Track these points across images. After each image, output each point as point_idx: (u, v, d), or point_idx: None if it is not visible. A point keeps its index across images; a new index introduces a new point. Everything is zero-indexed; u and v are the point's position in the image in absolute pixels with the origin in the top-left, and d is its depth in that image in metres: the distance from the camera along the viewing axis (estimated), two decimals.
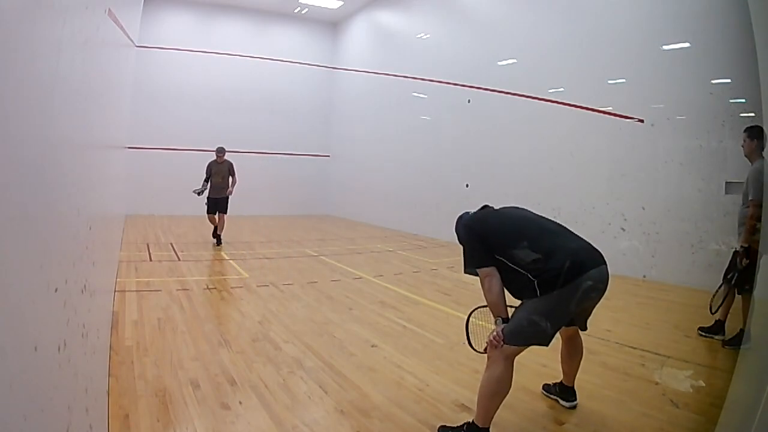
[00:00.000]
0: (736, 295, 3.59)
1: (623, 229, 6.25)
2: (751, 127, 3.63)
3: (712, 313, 3.69)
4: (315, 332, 3.69)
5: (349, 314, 4.24)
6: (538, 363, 3.07)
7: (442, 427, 2.25)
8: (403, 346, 3.44)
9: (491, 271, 2.18)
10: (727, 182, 5.28)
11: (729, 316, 3.72)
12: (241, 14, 13.01)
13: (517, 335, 2.11)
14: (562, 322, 2.18)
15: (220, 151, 7.63)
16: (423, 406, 2.53)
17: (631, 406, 2.59)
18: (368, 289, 5.24)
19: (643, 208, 6.03)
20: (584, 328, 2.43)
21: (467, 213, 2.46)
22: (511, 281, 2.20)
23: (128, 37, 5.32)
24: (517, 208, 2.48)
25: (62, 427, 1.18)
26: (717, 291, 3.72)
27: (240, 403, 2.48)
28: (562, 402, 2.59)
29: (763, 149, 3.57)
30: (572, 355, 2.54)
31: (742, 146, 3.70)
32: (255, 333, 3.61)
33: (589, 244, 2.24)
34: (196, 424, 2.25)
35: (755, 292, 2.23)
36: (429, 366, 3.09)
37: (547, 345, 2.13)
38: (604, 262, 2.17)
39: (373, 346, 3.45)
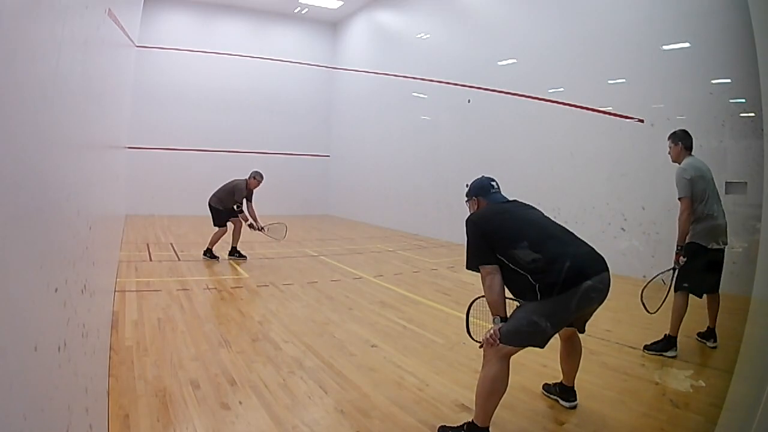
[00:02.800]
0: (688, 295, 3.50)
1: (623, 229, 6.25)
2: (674, 132, 3.66)
3: (650, 313, 3.46)
4: (315, 332, 3.69)
5: (349, 314, 4.24)
6: (538, 363, 3.07)
7: (442, 427, 2.25)
8: (403, 346, 3.44)
9: (493, 269, 2.19)
10: (727, 182, 5.27)
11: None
12: (241, 14, 13.01)
13: (515, 336, 2.12)
14: (560, 326, 2.20)
15: (261, 178, 6.63)
16: (423, 406, 2.53)
17: (631, 406, 2.59)
18: (368, 289, 5.24)
19: (643, 208, 6.03)
20: (582, 331, 2.44)
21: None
22: (513, 282, 2.21)
23: (128, 37, 5.32)
24: (528, 207, 2.46)
25: (62, 427, 1.18)
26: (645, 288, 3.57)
27: (240, 403, 2.48)
28: (562, 402, 2.60)
29: (690, 150, 3.60)
30: (571, 354, 2.55)
31: (669, 153, 3.70)
32: (255, 333, 3.61)
33: (593, 249, 2.25)
34: (196, 424, 2.25)
35: (754, 293, 2.22)
36: (429, 366, 3.09)
37: (542, 347, 2.15)
38: (607, 269, 2.19)
39: (373, 346, 3.45)
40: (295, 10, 13.26)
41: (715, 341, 3.58)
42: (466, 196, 2.54)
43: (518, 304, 2.24)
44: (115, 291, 4.46)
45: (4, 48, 0.73)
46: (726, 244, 3.50)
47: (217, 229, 6.59)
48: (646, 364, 3.22)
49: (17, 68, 0.81)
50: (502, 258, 2.18)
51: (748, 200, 5.07)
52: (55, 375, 1.14)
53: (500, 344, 2.12)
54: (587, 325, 2.42)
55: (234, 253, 6.72)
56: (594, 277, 2.11)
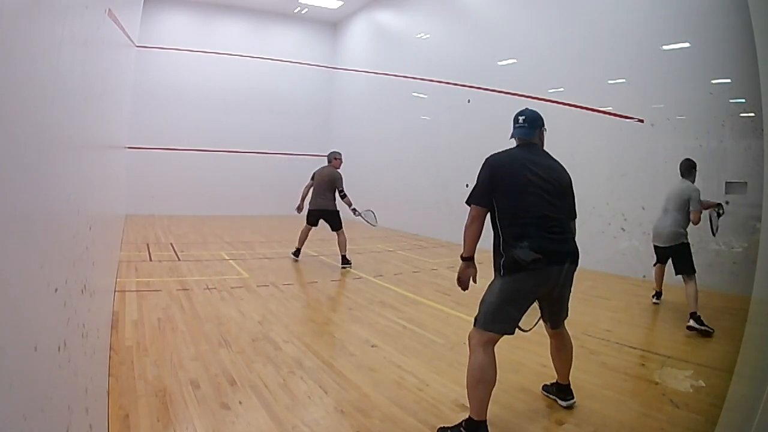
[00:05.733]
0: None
1: (623, 229, 6.25)
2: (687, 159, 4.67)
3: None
4: (315, 332, 3.69)
5: (349, 314, 4.24)
6: (537, 363, 3.07)
7: (441, 428, 2.25)
8: (403, 346, 3.44)
9: (481, 213, 2.29)
10: (727, 182, 5.28)
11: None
12: (241, 14, 13.01)
13: (488, 318, 2.21)
14: (524, 308, 2.28)
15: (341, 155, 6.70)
16: (423, 406, 2.53)
17: (631, 406, 2.59)
18: (368, 289, 5.24)
19: (643, 208, 6.03)
20: (557, 327, 2.49)
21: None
22: (493, 240, 2.32)
23: (128, 37, 5.32)
24: (547, 169, 2.34)
25: (62, 427, 1.18)
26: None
27: (240, 403, 2.48)
28: (559, 402, 2.60)
29: (683, 175, 4.59)
30: (561, 351, 2.56)
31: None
32: (255, 333, 3.61)
33: (570, 239, 2.33)
34: (196, 424, 2.25)
35: (754, 293, 2.23)
36: (429, 366, 3.09)
37: (512, 333, 2.24)
38: (574, 262, 2.31)
39: (373, 346, 3.45)
40: (295, 10, 13.26)
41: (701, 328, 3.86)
42: None
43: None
44: (115, 291, 4.46)
45: (4, 48, 0.73)
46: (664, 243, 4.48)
47: (331, 231, 6.49)
48: (646, 364, 3.22)
49: (17, 68, 0.81)
50: (495, 204, 2.28)
51: (748, 200, 5.07)
52: (55, 375, 1.14)
53: (479, 331, 2.22)
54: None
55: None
56: (555, 266, 2.23)
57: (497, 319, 2.21)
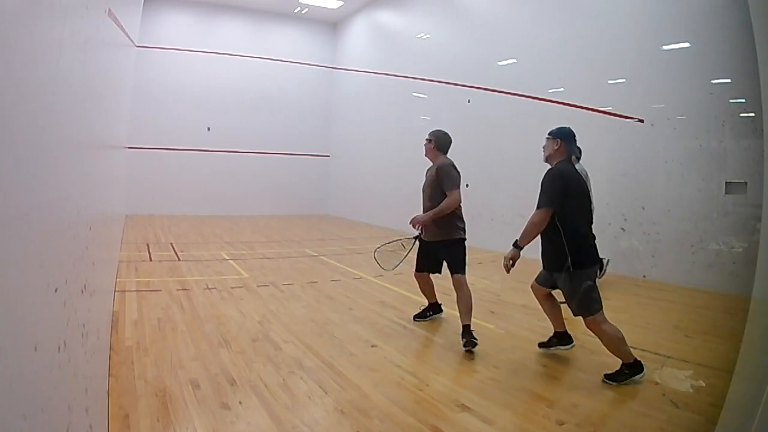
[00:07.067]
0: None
1: (623, 229, 6.24)
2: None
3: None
4: (315, 332, 3.69)
5: (349, 314, 4.24)
6: (538, 363, 3.07)
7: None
8: (403, 346, 3.44)
9: (550, 215, 2.85)
10: (727, 182, 5.27)
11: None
12: (241, 14, 13.02)
13: (591, 306, 2.79)
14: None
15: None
16: (423, 406, 2.53)
17: (631, 406, 2.59)
18: (368, 289, 5.24)
19: (643, 208, 6.03)
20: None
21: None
22: (551, 243, 2.90)
23: (128, 37, 5.32)
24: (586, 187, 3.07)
25: (62, 427, 1.18)
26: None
27: (240, 403, 2.48)
28: (562, 348, 3.16)
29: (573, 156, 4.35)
30: (553, 303, 3.20)
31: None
32: (255, 333, 3.61)
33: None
34: (196, 424, 2.25)
35: (754, 293, 2.23)
36: (429, 366, 3.09)
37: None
38: None
39: (373, 346, 3.45)
40: (295, 10, 13.26)
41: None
42: (550, 134, 3.03)
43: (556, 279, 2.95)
44: (115, 291, 4.46)
45: (4, 48, 0.73)
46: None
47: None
48: (646, 364, 3.21)
49: (17, 68, 0.81)
50: (564, 210, 2.84)
51: (748, 200, 5.06)
52: (55, 375, 1.14)
53: (593, 316, 2.78)
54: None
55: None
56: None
57: (595, 300, 2.79)
